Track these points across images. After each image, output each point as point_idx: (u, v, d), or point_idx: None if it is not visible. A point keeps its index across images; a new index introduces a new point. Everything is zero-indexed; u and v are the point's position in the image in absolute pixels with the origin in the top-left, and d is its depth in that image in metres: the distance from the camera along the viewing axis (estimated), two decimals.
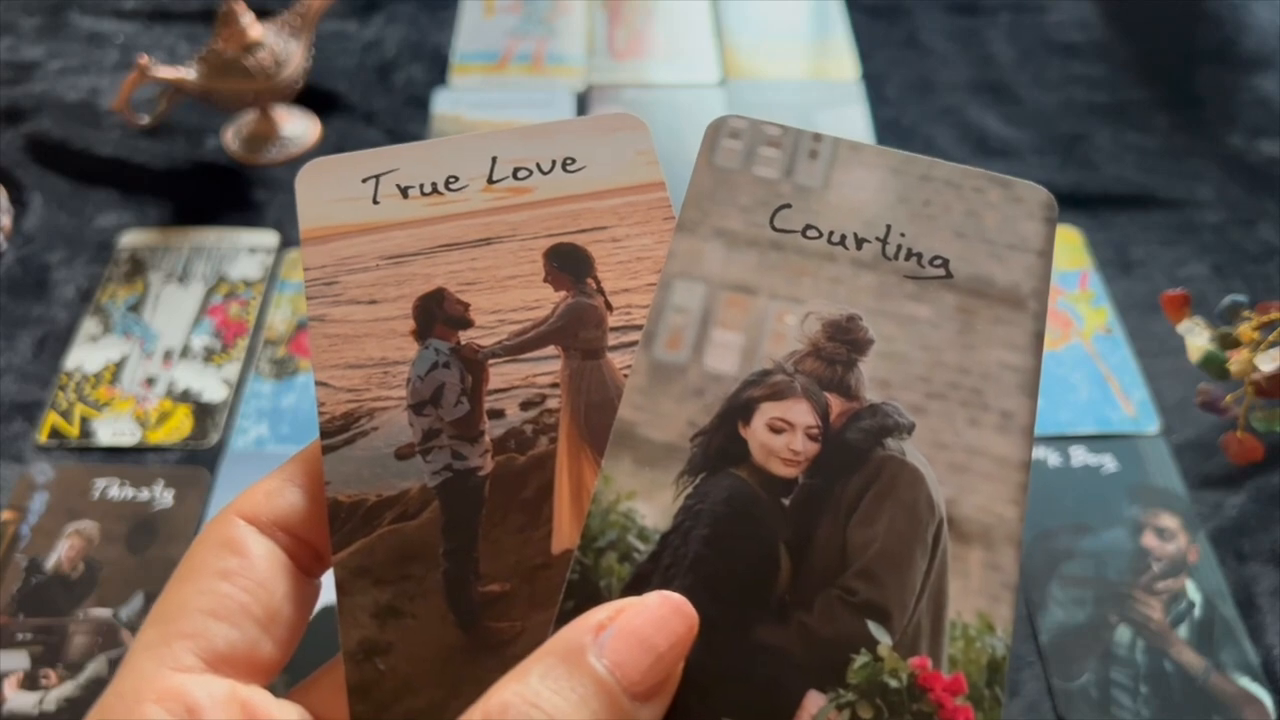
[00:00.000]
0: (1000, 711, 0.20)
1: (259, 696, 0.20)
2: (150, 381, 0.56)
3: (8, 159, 0.68)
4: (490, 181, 0.24)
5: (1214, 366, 0.52)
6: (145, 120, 0.66)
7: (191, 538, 0.49)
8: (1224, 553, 0.49)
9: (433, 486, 0.21)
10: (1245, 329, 0.52)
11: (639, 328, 0.23)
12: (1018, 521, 0.21)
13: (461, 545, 0.21)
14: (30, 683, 0.45)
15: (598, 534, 0.21)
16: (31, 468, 0.52)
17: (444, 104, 0.73)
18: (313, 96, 0.71)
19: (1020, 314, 0.23)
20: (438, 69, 0.76)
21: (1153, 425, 0.54)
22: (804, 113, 0.73)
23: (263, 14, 0.67)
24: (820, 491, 0.21)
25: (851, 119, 0.72)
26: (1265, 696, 0.45)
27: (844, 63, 0.77)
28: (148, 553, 0.49)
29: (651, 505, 0.21)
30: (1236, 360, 0.51)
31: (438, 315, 0.22)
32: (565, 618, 0.20)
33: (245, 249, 0.63)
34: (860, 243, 0.24)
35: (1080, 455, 0.53)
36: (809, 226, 0.24)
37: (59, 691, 0.45)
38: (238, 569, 0.21)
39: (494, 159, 0.25)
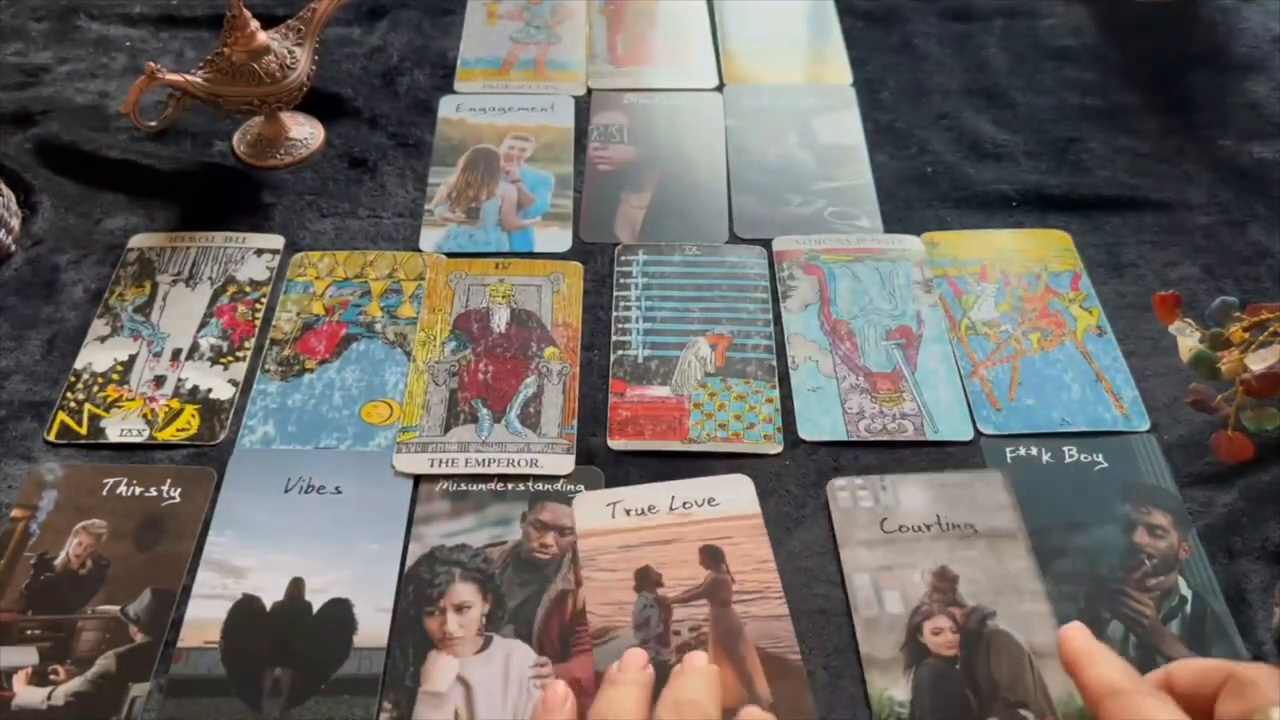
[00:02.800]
0: None
1: None
2: (158, 381, 0.57)
3: (17, 162, 0.69)
4: (670, 509, 0.49)
5: (1205, 367, 0.53)
6: (153, 124, 0.67)
7: (197, 535, 0.50)
8: (1215, 549, 0.50)
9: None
10: (1236, 330, 0.53)
11: (748, 591, 0.47)
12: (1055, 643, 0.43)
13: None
14: (39, 678, 0.45)
15: (875, 708, 0.43)
16: (41, 466, 0.53)
17: (448, 109, 0.74)
18: (318, 101, 0.72)
19: (1016, 541, 0.49)
20: (441, 74, 0.77)
21: (1144, 424, 0.55)
22: (800, 116, 0.74)
23: (269, 20, 0.68)
24: (970, 657, 0.45)
25: (846, 123, 0.73)
26: None
27: (839, 68, 0.78)
28: (155, 550, 0.50)
29: (896, 688, 0.44)
30: (1227, 361, 0.52)
31: (650, 579, 0.47)
32: None
33: (252, 251, 0.64)
34: (928, 527, 0.49)
35: (1072, 453, 0.53)
36: (901, 525, 0.49)
37: (67, 687, 0.45)
38: None
39: (673, 496, 0.50)
